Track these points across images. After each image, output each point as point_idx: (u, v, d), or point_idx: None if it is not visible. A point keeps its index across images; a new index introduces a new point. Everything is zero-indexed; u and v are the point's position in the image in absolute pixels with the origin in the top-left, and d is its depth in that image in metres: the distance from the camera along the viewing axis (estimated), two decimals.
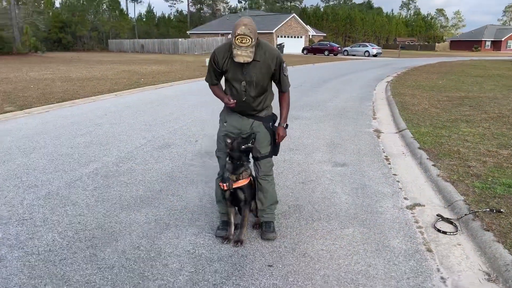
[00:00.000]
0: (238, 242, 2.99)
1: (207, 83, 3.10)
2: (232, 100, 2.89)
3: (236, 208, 3.12)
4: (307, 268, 2.73)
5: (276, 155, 3.18)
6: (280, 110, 3.13)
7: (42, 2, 52.65)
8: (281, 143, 3.14)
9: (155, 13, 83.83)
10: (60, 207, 3.65)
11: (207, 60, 3.43)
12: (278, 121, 3.14)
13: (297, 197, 3.97)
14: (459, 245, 3.05)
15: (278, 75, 2.96)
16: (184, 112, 8.42)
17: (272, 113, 3.13)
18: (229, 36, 2.90)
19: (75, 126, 7.04)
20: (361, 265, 2.77)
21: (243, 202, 3.01)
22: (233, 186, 2.94)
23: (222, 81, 3.09)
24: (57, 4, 56.12)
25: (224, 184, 2.95)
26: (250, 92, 2.91)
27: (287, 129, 3.12)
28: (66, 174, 4.54)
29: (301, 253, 2.92)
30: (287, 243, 3.05)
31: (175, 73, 17.49)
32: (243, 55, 2.67)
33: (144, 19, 78.78)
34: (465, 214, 3.39)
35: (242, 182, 2.96)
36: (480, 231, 3.09)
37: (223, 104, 3.11)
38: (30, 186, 4.15)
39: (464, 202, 3.61)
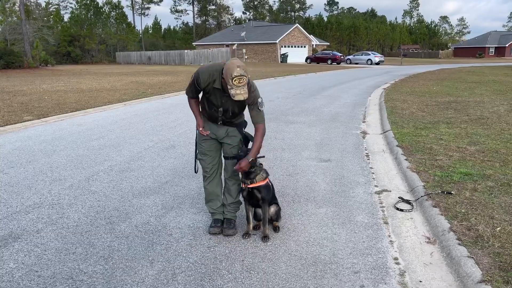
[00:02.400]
0: (265, 237, 3.28)
1: (187, 96, 3.37)
2: (206, 132, 3.32)
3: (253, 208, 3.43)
4: (283, 236, 3.39)
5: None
6: (253, 143, 3.28)
7: (51, 17, 54.35)
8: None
9: (161, 25, 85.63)
10: (82, 195, 4.35)
11: None
12: (248, 149, 3.33)
13: (283, 185, 4.64)
14: (411, 219, 3.69)
15: (251, 108, 3.20)
16: (187, 118, 9.12)
17: (244, 120, 3.43)
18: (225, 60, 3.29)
19: (89, 132, 7.78)
20: (327, 234, 3.42)
21: (261, 200, 3.26)
22: (250, 186, 3.25)
23: None
24: (65, 19, 57.94)
25: (244, 183, 3.29)
26: (226, 116, 3.27)
27: (251, 167, 3.22)
28: (84, 170, 5.25)
29: (280, 226, 3.56)
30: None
31: (180, 84, 18.28)
32: (242, 93, 2.94)
33: (150, 31, 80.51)
34: (421, 196, 4.03)
35: (259, 183, 3.25)
36: (429, 207, 3.73)
37: None
38: (55, 180, 4.86)
39: (423, 187, 4.25)
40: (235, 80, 2.88)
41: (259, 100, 3.18)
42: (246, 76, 2.92)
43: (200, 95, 3.36)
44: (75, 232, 3.47)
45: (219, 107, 3.20)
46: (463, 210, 3.59)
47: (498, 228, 3.23)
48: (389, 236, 3.38)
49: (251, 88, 3.10)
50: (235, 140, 3.40)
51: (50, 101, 12.10)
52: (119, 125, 8.47)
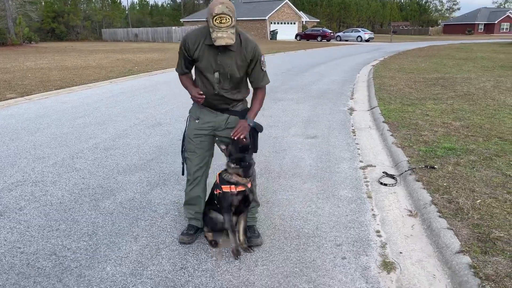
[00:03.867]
0: (243, 251, 2.79)
1: (177, 73, 2.86)
2: (201, 95, 2.68)
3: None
4: (268, 212, 3.41)
5: (256, 152, 2.90)
6: (251, 105, 2.84)
7: None
8: (261, 121, 2.90)
9: (148, 2, 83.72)
10: (66, 173, 4.31)
11: None
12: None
13: (269, 162, 4.64)
14: (394, 193, 3.74)
15: (252, 68, 2.68)
16: (174, 95, 9.03)
17: (248, 107, 2.89)
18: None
19: (74, 109, 7.65)
20: (311, 208, 3.45)
21: (249, 204, 2.80)
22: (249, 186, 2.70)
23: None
24: None
25: (238, 186, 2.67)
26: (223, 84, 2.69)
27: (253, 132, 2.80)
28: (69, 148, 5.19)
29: (265, 201, 3.59)
30: None
31: (167, 61, 18.01)
32: (224, 37, 2.43)
33: (137, 8, 78.68)
34: (405, 171, 4.07)
35: (250, 184, 2.73)
36: (412, 182, 3.77)
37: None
38: (39, 158, 4.79)
39: (408, 162, 4.29)
40: (216, 20, 2.41)
41: (262, 58, 2.69)
42: (230, 16, 2.42)
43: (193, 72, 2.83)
44: (58, 209, 3.44)
45: (215, 71, 2.64)
46: (445, 184, 3.65)
47: (478, 201, 3.28)
48: (372, 210, 3.43)
49: (249, 43, 2.63)
50: None
51: (34, 78, 11.85)
52: (105, 102, 8.34)
